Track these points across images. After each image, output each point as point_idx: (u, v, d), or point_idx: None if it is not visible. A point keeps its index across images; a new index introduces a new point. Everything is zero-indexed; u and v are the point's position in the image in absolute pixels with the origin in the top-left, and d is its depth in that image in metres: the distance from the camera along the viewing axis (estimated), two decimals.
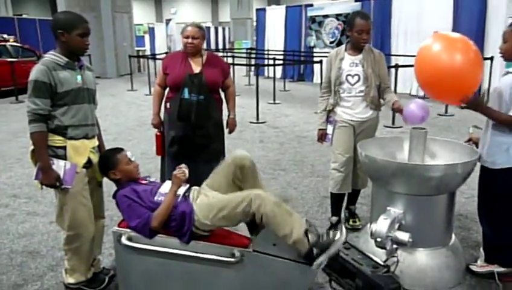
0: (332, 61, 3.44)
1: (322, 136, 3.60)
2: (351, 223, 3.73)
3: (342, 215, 3.75)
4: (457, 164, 2.69)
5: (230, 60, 13.10)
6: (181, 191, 2.54)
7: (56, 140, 2.55)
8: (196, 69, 3.50)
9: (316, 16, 13.98)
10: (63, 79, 2.50)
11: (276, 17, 15.66)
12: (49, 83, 2.46)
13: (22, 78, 11.00)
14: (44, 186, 2.61)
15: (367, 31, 3.25)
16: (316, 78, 13.17)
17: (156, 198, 2.50)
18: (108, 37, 16.19)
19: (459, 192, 4.43)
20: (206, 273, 2.56)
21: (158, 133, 3.72)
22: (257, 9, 17.12)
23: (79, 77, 2.59)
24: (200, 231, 2.46)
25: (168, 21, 20.72)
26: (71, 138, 2.57)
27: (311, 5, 14.33)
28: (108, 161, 2.72)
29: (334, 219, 3.56)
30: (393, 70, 10.44)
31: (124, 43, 16.96)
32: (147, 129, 7.71)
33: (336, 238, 2.44)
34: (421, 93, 10.55)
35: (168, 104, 3.61)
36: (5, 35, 13.23)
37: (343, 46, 3.45)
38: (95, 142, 2.77)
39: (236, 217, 2.40)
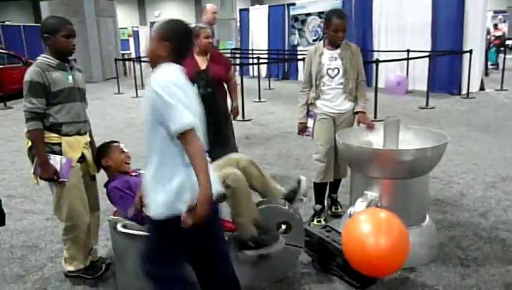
0: (312, 57, 3.64)
1: (303, 130, 3.81)
2: (333, 210, 3.94)
3: (325, 203, 3.96)
4: (426, 148, 2.91)
5: None
6: None
7: (52, 137, 2.71)
8: (202, 65, 3.95)
9: (298, 14, 14.21)
10: (55, 79, 2.68)
11: (259, 17, 15.87)
12: (43, 83, 2.63)
13: (9, 84, 11.08)
14: (40, 183, 2.79)
15: (343, 29, 3.46)
16: (301, 76, 13.38)
17: None
18: (93, 41, 16.24)
19: (437, 179, 4.71)
20: None
21: None
22: (240, 10, 17.33)
23: (70, 77, 2.77)
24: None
25: (152, 24, 20.81)
26: (65, 134, 2.74)
27: (294, 4, 14.56)
28: (102, 149, 2.94)
29: (318, 206, 3.78)
30: (374, 65, 10.77)
31: (109, 46, 17.03)
32: (135, 130, 7.87)
33: (275, 245, 2.66)
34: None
35: None
36: None
37: (321, 42, 3.66)
38: (87, 138, 2.96)
39: None
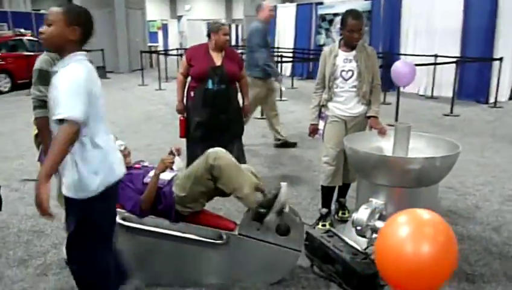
0: (326, 58, 3.58)
1: (314, 131, 3.76)
2: (340, 215, 3.88)
3: (332, 207, 3.90)
4: (435, 157, 2.83)
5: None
6: (167, 176, 2.71)
7: None
8: (217, 61, 3.96)
9: (326, 14, 14.06)
10: None
11: (286, 15, 15.77)
12: (52, 72, 2.65)
13: None
14: None
15: (358, 30, 3.38)
16: None
17: (145, 180, 2.69)
18: (121, 32, 16.47)
19: (452, 189, 4.58)
20: (194, 253, 2.75)
21: (182, 118, 4.16)
22: None
23: None
24: (185, 209, 2.64)
25: (179, 18, 21.00)
26: None
27: (322, 3, 14.41)
28: None
29: (324, 210, 3.73)
30: None
31: (137, 38, 17.24)
32: (154, 123, 7.95)
33: (277, 192, 2.62)
34: (428, 93, 10.64)
35: (192, 93, 4.04)
36: (22, 30, 13.58)
37: (336, 43, 3.59)
38: None
39: (202, 176, 2.59)
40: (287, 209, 2.67)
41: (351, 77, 3.50)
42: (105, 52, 14.89)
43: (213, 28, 4.01)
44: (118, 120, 8.04)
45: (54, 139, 1.93)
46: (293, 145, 6.28)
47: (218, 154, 2.58)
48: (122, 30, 16.50)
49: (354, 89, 3.50)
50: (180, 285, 2.80)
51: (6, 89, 11.29)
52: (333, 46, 3.61)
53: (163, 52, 15.01)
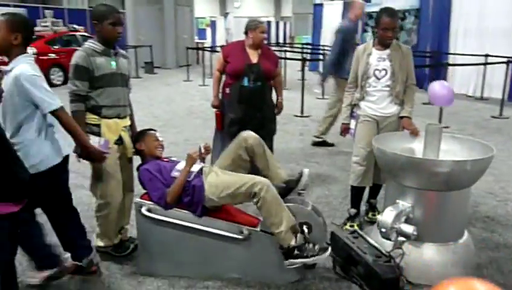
0: (359, 56, 3.52)
1: (345, 130, 3.71)
2: (370, 215, 3.81)
3: (362, 208, 3.84)
4: (466, 160, 2.72)
5: (285, 54, 13.30)
6: (195, 168, 2.77)
7: (92, 118, 2.87)
8: (254, 59, 3.98)
9: (373, 12, 13.75)
10: (99, 64, 2.81)
11: (333, 13, 15.55)
12: (87, 67, 2.78)
13: None
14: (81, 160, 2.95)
15: (392, 28, 3.30)
16: None
17: (172, 173, 2.76)
18: (169, 29, 16.86)
19: (492, 195, 4.38)
20: (216, 247, 2.79)
21: (218, 112, 4.24)
22: (314, 5, 17.09)
23: (113, 63, 2.89)
24: (211, 205, 2.70)
25: (226, 15, 21.22)
26: (105, 117, 2.88)
27: (369, 1, 14.11)
28: (139, 134, 3.09)
29: (353, 211, 3.69)
30: (450, 68, 10.17)
31: (185, 35, 17.58)
32: (194, 118, 8.10)
33: (320, 254, 2.64)
34: (478, 94, 10.20)
35: (227, 90, 4.09)
36: (75, 26, 14.19)
37: (370, 42, 3.52)
38: (127, 122, 3.07)
39: (239, 196, 2.62)
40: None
41: (384, 76, 3.42)
42: (154, 48, 15.28)
43: (251, 26, 4.03)
44: (160, 114, 8.26)
45: (68, 123, 2.55)
46: (331, 145, 6.21)
47: (264, 184, 2.58)
48: (171, 27, 16.89)
49: (387, 89, 3.42)
50: (202, 278, 2.86)
51: (60, 82, 11.83)
52: (367, 44, 3.54)
53: (208, 48, 15.23)
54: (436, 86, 3.08)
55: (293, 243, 2.61)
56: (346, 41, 5.35)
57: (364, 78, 3.46)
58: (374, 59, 3.43)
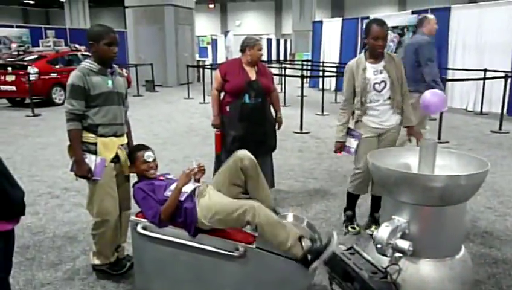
0: (353, 72, 3.53)
1: (340, 148, 3.74)
2: (373, 229, 3.80)
3: (364, 219, 3.89)
4: (460, 175, 2.72)
5: (285, 72, 13.41)
6: (188, 189, 2.76)
7: (88, 137, 2.89)
8: (252, 76, 4.04)
9: None
10: (95, 83, 2.85)
11: (332, 30, 15.72)
12: (83, 87, 2.82)
13: None
14: (79, 178, 2.97)
15: (383, 37, 3.34)
16: None
17: (166, 193, 2.76)
18: (170, 47, 17.05)
19: (491, 209, 4.37)
20: (212, 264, 2.77)
21: (218, 133, 4.21)
22: (313, 22, 17.30)
23: (110, 82, 2.93)
24: (205, 227, 2.69)
25: (226, 33, 21.46)
26: (101, 135, 2.91)
27: (368, 18, 14.26)
28: (129, 156, 3.04)
29: (349, 213, 3.78)
30: (449, 83, 10.19)
31: (185, 53, 17.75)
32: (194, 135, 8.13)
33: (329, 244, 2.61)
34: (478, 109, 10.22)
35: (227, 108, 4.12)
36: (77, 45, 14.37)
37: (362, 56, 3.53)
38: (124, 140, 3.09)
39: (230, 222, 2.62)
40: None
41: (384, 88, 3.46)
42: (155, 67, 15.44)
43: (249, 43, 4.08)
44: (160, 132, 8.30)
45: None
46: None
47: (255, 209, 2.54)
48: (172, 45, 17.08)
49: (389, 101, 3.47)
50: None
51: (61, 102, 11.92)
52: (359, 59, 3.54)
53: (208, 66, 15.39)
54: (427, 95, 3.16)
55: (302, 251, 2.60)
56: (429, 56, 5.19)
57: (364, 94, 3.48)
58: (370, 73, 3.46)
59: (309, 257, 2.61)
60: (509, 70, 9.59)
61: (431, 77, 4.97)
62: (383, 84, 3.44)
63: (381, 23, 3.36)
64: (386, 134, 3.53)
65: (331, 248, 2.60)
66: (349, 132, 3.68)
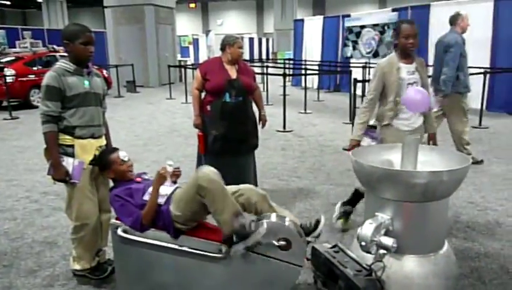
0: (385, 72, 3.42)
1: (354, 147, 3.47)
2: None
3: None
4: (442, 171, 2.72)
5: (268, 70, 13.39)
6: (168, 191, 2.70)
7: (65, 139, 2.82)
8: (233, 74, 3.99)
9: (353, 26, 13.98)
10: (71, 84, 2.78)
11: (313, 28, 15.77)
12: (58, 88, 2.74)
13: None
14: (57, 182, 2.89)
15: (413, 35, 3.30)
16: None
17: (145, 197, 2.69)
18: (151, 47, 16.88)
19: (473, 204, 4.41)
20: (195, 266, 2.73)
21: (200, 133, 4.14)
22: (295, 20, 17.32)
23: (86, 82, 2.86)
24: (183, 225, 2.64)
25: (207, 32, 21.36)
26: (79, 137, 2.83)
27: (349, 16, 14.35)
28: (101, 162, 2.89)
29: (349, 207, 3.89)
30: (429, 81, 10.30)
31: (166, 53, 17.60)
32: (176, 136, 8.05)
33: (258, 230, 2.55)
34: None
35: (208, 107, 4.05)
36: (55, 46, 14.12)
37: (393, 56, 3.45)
38: (102, 141, 3.02)
39: (194, 198, 2.52)
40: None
41: None
42: (136, 67, 15.26)
43: (229, 41, 4.04)
44: (142, 133, 8.19)
45: None
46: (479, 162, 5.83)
47: (209, 177, 2.49)
48: (152, 45, 16.91)
49: None
50: None
51: (39, 104, 11.72)
52: (390, 59, 3.46)
53: (190, 66, 15.28)
54: (411, 92, 3.14)
55: (234, 227, 2.51)
56: (461, 55, 5.26)
57: (399, 95, 3.38)
58: (404, 73, 3.39)
59: (234, 238, 2.55)
60: (488, 66, 9.75)
61: (445, 78, 5.09)
62: (415, 85, 3.36)
63: (410, 22, 3.35)
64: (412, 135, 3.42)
65: (257, 235, 2.53)
66: (367, 132, 3.55)
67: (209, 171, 2.56)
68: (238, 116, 4.01)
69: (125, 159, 2.87)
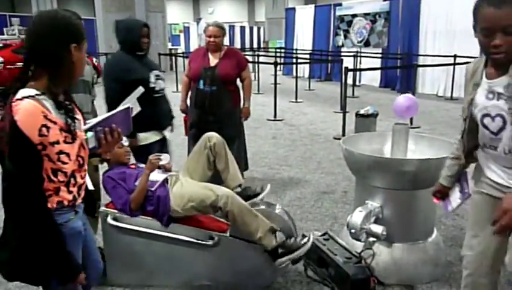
0: (467, 80, 1.97)
1: (439, 193, 2.28)
2: None
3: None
4: (431, 159, 2.74)
5: (259, 59, 13.32)
6: (160, 177, 2.70)
7: None
8: (213, 62, 3.93)
9: (344, 15, 13.96)
10: None
11: (305, 17, 15.71)
12: None
13: None
14: None
15: (500, 28, 1.67)
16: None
17: (137, 182, 2.69)
18: None
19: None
20: (185, 254, 2.74)
21: (185, 117, 4.26)
22: (286, 9, 17.25)
23: None
24: (177, 216, 2.64)
25: (198, 20, 21.18)
26: None
27: (340, 5, 14.31)
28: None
29: None
30: (420, 69, 10.32)
31: (157, 42, 17.41)
32: None
33: (303, 244, 2.58)
34: (448, 94, 10.40)
35: (190, 93, 4.12)
36: None
37: (482, 59, 1.90)
38: None
39: (204, 209, 2.60)
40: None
41: (501, 129, 1.79)
42: None
43: (205, 30, 4.03)
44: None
45: None
46: None
47: (228, 197, 2.53)
48: None
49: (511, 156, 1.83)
50: (172, 286, 2.80)
51: None
52: (478, 62, 1.94)
53: (181, 54, 15.16)
54: (401, 99, 3.08)
55: (274, 243, 2.57)
56: None
57: (471, 132, 1.95)
58: (481, 94, 1.84)
59: (280, 251, 2.58)
60: (478, 56, 9.79)
61: None
62: (498, 120, 1.78)
63: (496, 1, 1.68)
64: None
65: (304, 249, 2.58)
66: (461, 179, 2.18)
67: (229, 193, 2.59)
68: (209, 105, 3.91)
69: (125, 143, 2.90)
